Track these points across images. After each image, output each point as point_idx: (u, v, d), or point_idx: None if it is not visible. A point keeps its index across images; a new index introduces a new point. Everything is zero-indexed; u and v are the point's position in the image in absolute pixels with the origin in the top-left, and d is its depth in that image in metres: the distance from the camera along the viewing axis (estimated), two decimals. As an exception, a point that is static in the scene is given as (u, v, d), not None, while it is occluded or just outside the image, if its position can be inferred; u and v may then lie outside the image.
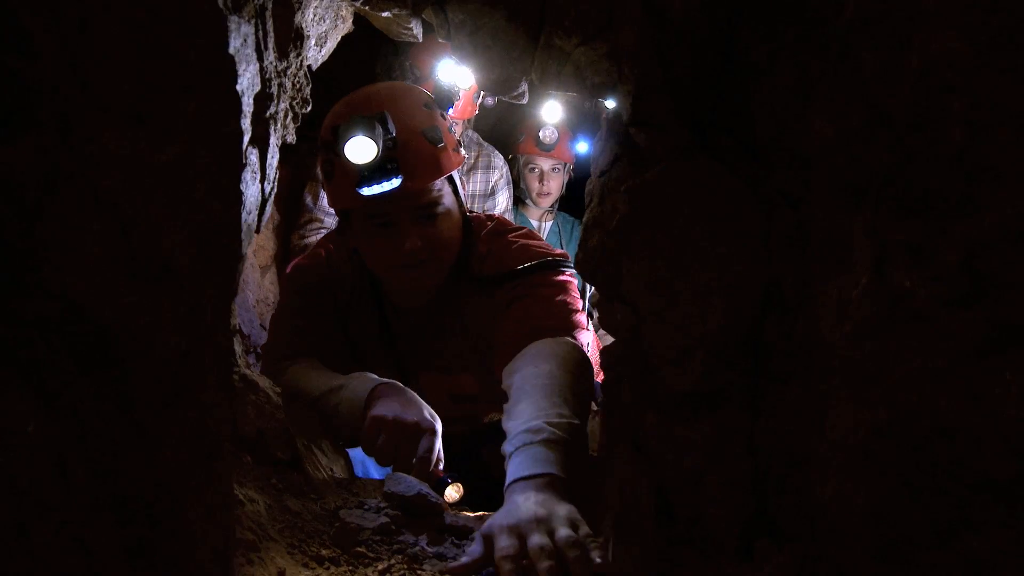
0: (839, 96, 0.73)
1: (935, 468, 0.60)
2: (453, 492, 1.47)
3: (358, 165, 1.48)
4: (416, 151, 1.56)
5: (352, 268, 1.77)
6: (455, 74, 2.68)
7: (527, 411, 1.32)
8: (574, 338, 1.54)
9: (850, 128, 0.71)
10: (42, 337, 0.62)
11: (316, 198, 3.03)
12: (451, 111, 3.03)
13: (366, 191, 1.51)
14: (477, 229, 1.76)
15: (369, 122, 1.48)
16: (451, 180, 1.69)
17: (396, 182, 1.51)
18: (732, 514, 1.25)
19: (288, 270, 1.90)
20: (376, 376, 1.57)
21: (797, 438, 1.08)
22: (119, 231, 0.68)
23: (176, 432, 0.74)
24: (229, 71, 0.85)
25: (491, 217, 1.85)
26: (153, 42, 0.73)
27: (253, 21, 1.01)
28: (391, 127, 1.51)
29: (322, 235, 2.24)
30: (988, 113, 0.57)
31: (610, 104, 1.49)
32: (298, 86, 1.42)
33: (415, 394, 1.54)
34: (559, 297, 1.62)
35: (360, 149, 1.47)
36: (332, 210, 3.16)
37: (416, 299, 1.73)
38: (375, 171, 1.49)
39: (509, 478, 1.23)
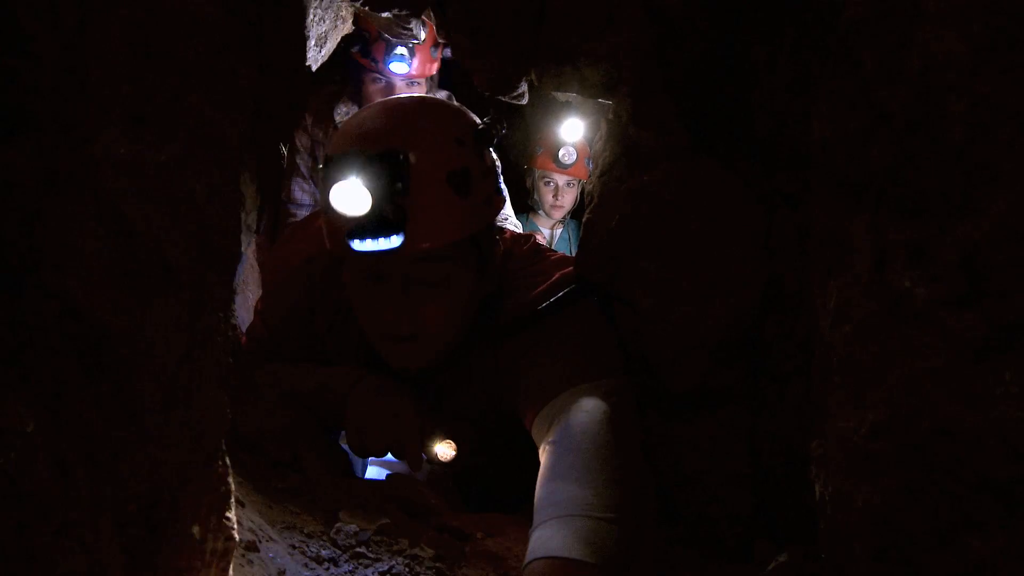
0: (839, 96, 0.73)
1: (935, 468, 0.60)
2: (447, 450, 1.35)
3: (344, 216, 1.17)
4: (431, 203, 1.20)
5: (336, 290, 1.43)
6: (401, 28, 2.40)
7: (563, 484, 1.09)
8: (613, 374, 1.28)
9: (850, 128, 0.71)
10: (42, 337, 0.62)
11: (288, 192, 2.87)
12: (409, 68, 2.79)
13: (357, 246, 1.18)
14: (505, 280, 1.43)
15: (370, 163, 1.15)
16: (477, 239, 1.32)
17: (395, 241, 1.17)
18: (732, 514, 1.25)
19: (272, 267, 1.63)
20: (357, 369, 1.40)
21: (797, 438, 1.08)
22: (118, 231, 0.68)
23: (176, 432, 0.74)
24: (228, 72, 0.85)
25: (516, 252, 1.50)
26: (152, 43, 0.73)
27: (253, 22, 1.01)
28: (405, 170, 1.17)
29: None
30: (988, 113, 0.57)
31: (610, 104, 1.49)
32: (299, 86, 1.42)
33: (392, 384, 1.36)
34: (589, 329, 1.35)
35: (348, 198, 1.16)
36: (304, 202, 2.91)
37: (404, 367, 1.38)
38: (368, 225, 1.16)
39: (531, 554, 1.02)
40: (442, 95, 3.23)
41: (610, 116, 1.45)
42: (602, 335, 1.35)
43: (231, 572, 0.84)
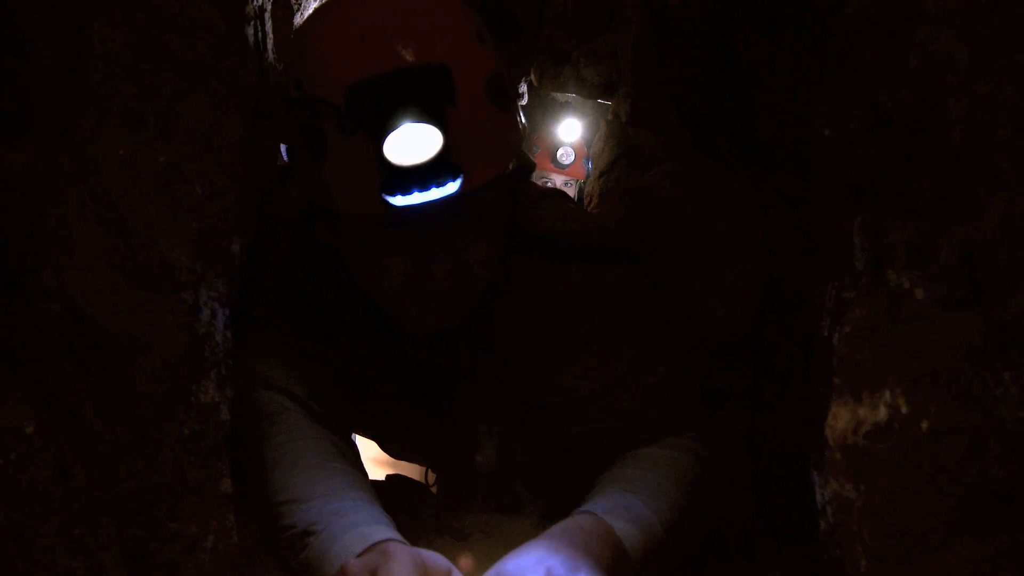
0: (839, 96, 0.73)
1: (935, 468, 0.60)
2: None
3: (405, 167, 0.86)
4: (479, 126, 0.90)
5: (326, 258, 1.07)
6: None
7: (623, 486, 0.95)
8: (694, 426, 1.03)
9: (850, 128, 0.71)
10: (42, 337, 0.62)
11: None
12: None
13: (401, 200, 0.87)
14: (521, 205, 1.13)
15: (417, 88, 0.85)
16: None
17: (454, 186, 0.88)
18: (732, 514, 1.25)
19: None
20: (368, 526, 0.90)
21: (797, 438, 1.08)
22: (118, 232, 0.68)
23: (176, 432, 0.74)
24: (228, 72, 0.85)
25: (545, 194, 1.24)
26: (152, 44, 0.73)
27: (252, 22, 1.01)
28: (451, 88, 0.87)
29: None
30: (987, 114, 0.57)
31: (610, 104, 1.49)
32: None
33: (412, 554, 0.86)
34: (653, 342, 1.07)
35: (414, 145, 0.85)
36: None
37: (432, 328, 1.07)
38: (424, 172, 0.86)
39: (581, 508, 0.91)
40: None
41: (609, 116, 1.45)
42: (670, 346, 1.08)
43: (231, 574, 0.84)
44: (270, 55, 1.17)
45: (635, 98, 1.34)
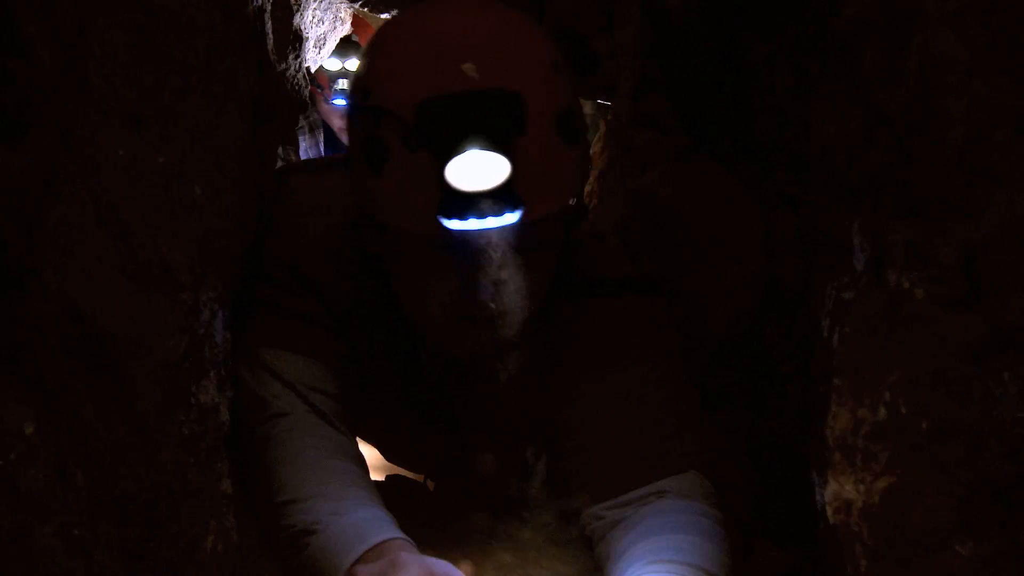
0: (839, 96, 0.73)
1: (935, 468, 0.60)
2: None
3: (466, 192, 0.84)
4: (545, 158, 0.89)
5: (359, 263, 1.05)
6: None
7: (660, 548, 0.93)
8: (703, 461, 1.05)
9: (849, 128, 0.71)
10: (42, 338, 0.63)
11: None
12: None
13: (456, 224, 0.86)
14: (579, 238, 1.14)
15: (493, 118, 0.84)
16: None
17: (513, 217, 0.86)
18: (732, 514, 1.25)
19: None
20: (369, 524, 0.91)
21: (797, 438, 1.08)
22: (118, 233, 0.68)
23: (176, 432, 0.74)
24: (227, 73, 0.85)
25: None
26: (152, 45, 0.73)
27: (252, 23, 1.01)
28: (524, 118, 0.86)
29: None
30: (987, 114, 0.57)
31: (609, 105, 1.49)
32: (296, 88, 1.42)
33: (422, 564, 0.86)
34: (674, 378, 1.08)
35: (478, 171, 0.83)
36: None
37: (461, 353, 1.08)
38: (485, 200, 0.84)
39: None
40: None
41: (609, 116, 1.45)
42: (683, 380, 1.10)
43: (231, 574, 0.84)
44: (270, 55, 1.17)
45: (635, 98, 1.34)
